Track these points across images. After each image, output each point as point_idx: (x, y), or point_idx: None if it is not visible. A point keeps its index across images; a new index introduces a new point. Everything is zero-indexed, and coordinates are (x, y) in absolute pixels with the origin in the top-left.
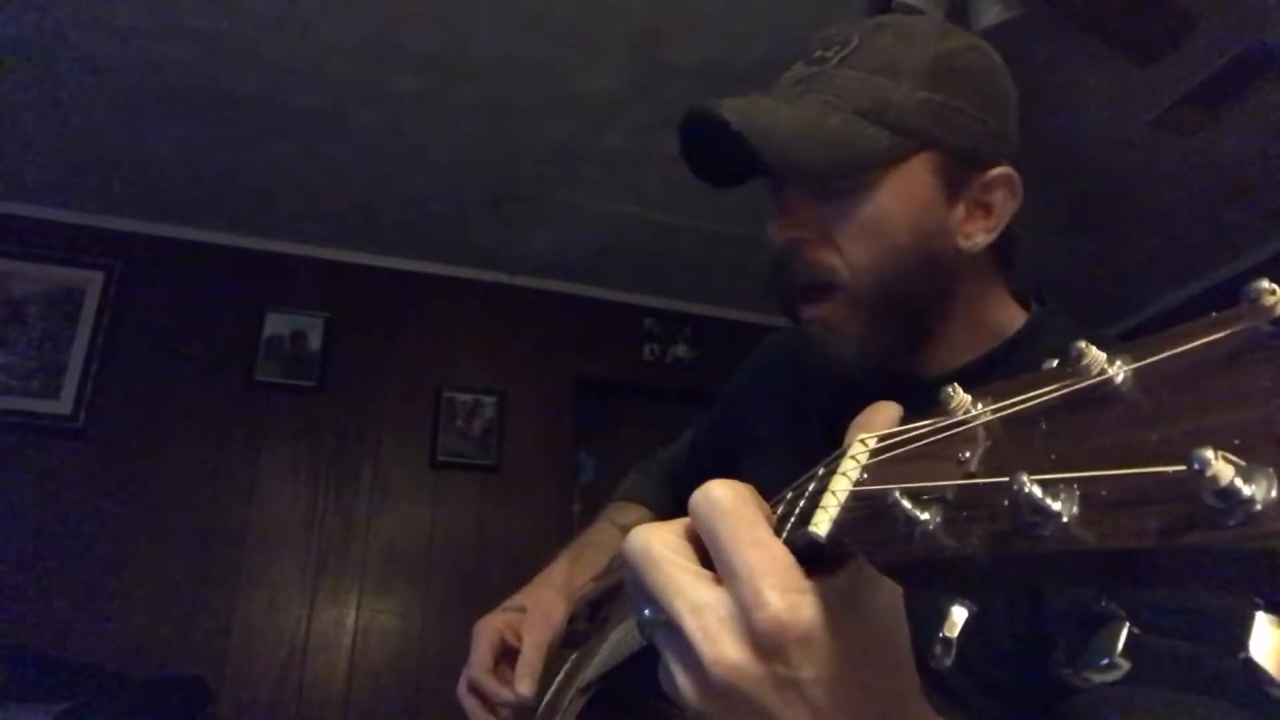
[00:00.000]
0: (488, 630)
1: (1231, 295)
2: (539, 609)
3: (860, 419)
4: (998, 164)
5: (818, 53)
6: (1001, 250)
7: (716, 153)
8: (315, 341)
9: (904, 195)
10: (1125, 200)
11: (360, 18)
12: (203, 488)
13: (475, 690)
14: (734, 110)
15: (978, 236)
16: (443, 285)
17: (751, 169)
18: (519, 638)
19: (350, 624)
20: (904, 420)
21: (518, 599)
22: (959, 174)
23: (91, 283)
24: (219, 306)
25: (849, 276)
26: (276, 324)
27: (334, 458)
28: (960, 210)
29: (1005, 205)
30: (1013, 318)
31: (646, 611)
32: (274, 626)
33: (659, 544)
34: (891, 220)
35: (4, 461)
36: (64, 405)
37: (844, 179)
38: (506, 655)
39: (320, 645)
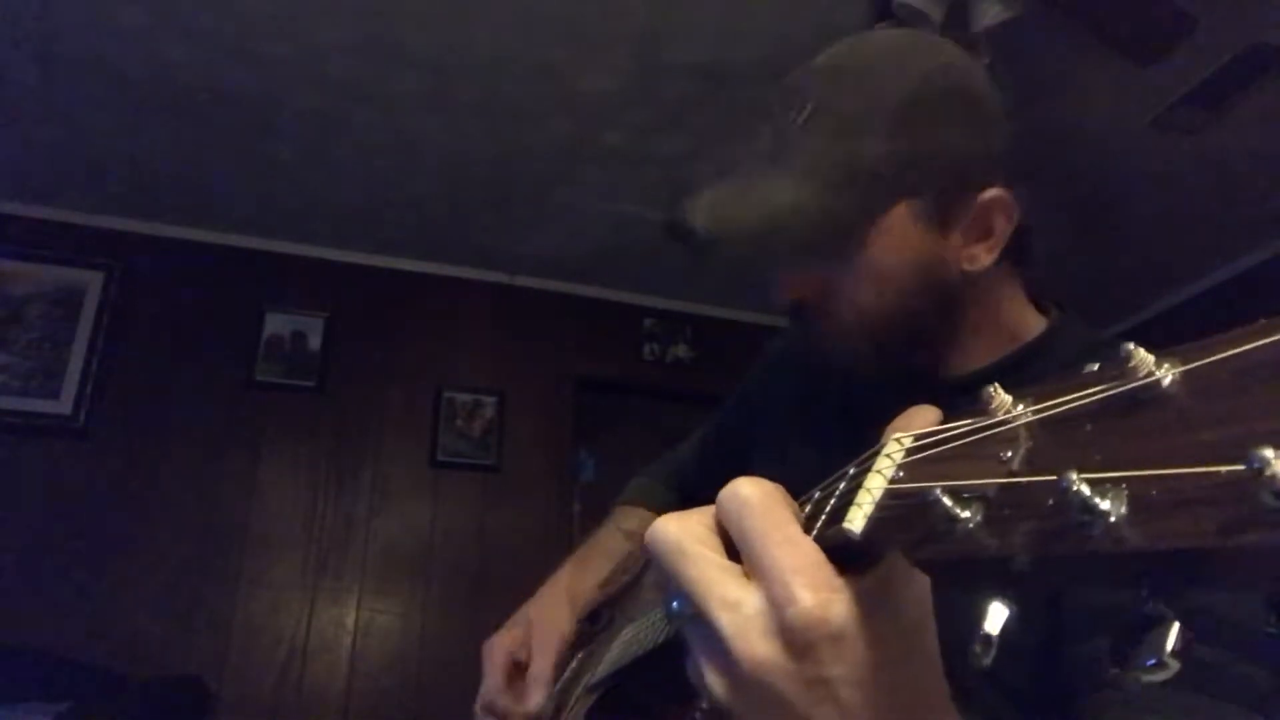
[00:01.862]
0: (498, 651)
1: (1232, 295)
2: (546, 620)
3: (898, 422)
4: (988, 185)
5: (778, 114)
6: (1012, 254)
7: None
8: (315, 341)
9: (893, 246)
10: (1125, 200)
11: (360, 18)
12: (203, 488)
13: (490, 711)
14: (704, 213)
15: (981, 258)
16: (443, 285)
17: None
18: (529, 652)
19: (350, 624)
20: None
21: (523, 612)
22: (946, 209)
23: (91, 283)
24: (219, 306)
25: (851, 315)
26: (276, 324)
27: (334, 458)
28: (957, 237)
29: (1004, 225)
30: (1030, 323)
31: (675, 604)
32: (274, 626)
33: (689, 536)
34: (887, 269)
35: (4, 461)
36: (64, 405)
37: (829, 252)
38: (518, 670)
39: (320, 645)
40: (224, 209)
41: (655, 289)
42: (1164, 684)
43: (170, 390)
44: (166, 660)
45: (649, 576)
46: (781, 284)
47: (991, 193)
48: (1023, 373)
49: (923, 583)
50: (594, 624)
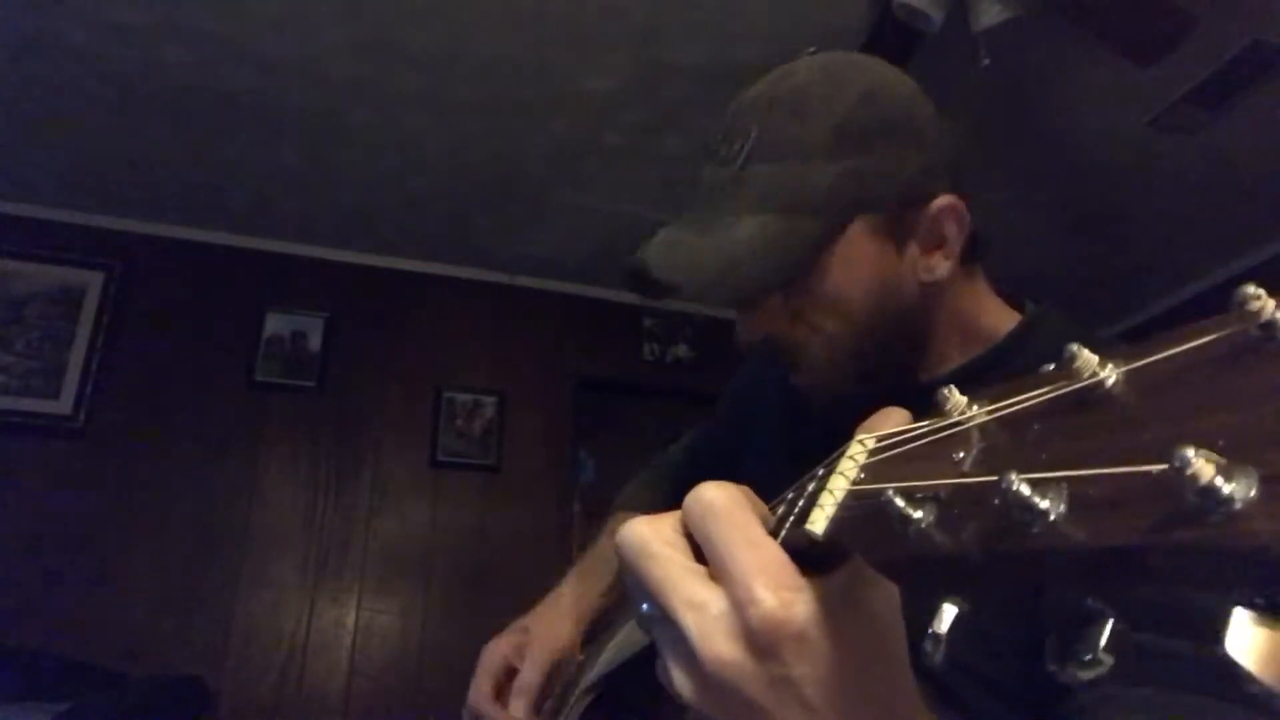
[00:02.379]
0: (492, 655)
1: (1231, 297)
2: (543, 631)
3: (868, 424)
4: (936, 195)
5: (721, 151)
6: (970, 255)
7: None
8: (315, 341)
9: (851, 265)
10: (1125, 200)
11: (360, 18)
12: (203, 488)
13: (475, 715)
14: (661, 259)
15: (938, 269)
16: (443, 285)
17: None
18: (523, 659)
19: (350, 624)
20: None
21: (525, 621)
22: (898, 223)
23: (91, 283)
24: (219, 306)
25: (820, 344)
26: (276, 324)
27: (334, 458)
28: (913, 249)
29: (958, 232)
30: (1003, 321)
31: (645, 606)
32: (274, 626)
33: (656, 539)
34: (848, 291)
35: (4, 461)
36: (64, 405)
37: (790, 283)
38: (511, 677)
39: (320, 645)
40: (224, 209)
41: None
42: (1157, 682)
43: (170, 390)
44: (166, 660)
45: None
46: (746, 325)
47: (941, 201)
48: (996, 371)
49: (890, 584)
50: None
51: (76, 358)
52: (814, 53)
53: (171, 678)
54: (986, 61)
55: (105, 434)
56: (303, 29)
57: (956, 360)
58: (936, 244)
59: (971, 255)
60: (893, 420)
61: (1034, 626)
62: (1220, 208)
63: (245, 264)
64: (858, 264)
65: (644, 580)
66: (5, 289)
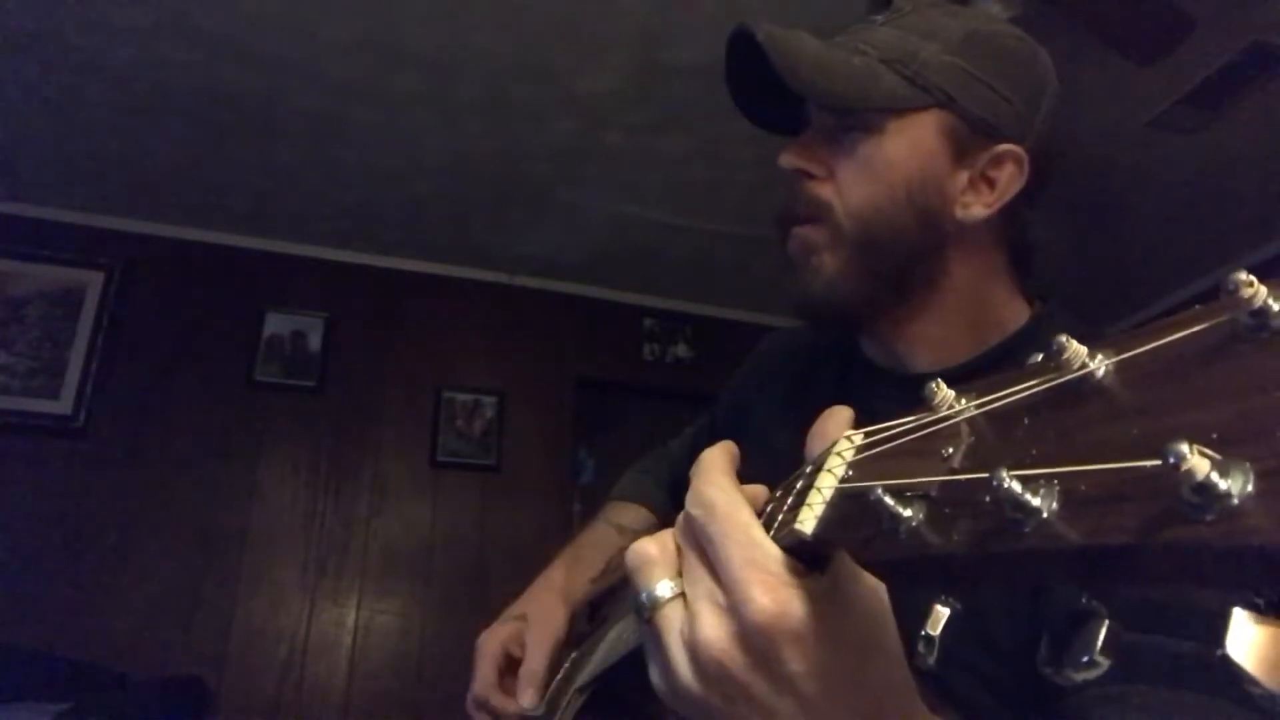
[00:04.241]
0: (491, 644)
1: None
2: (541, 616)
3: (815, 427)
4: (1012, 142)
5: (875, 18)
6: (1011, 246)
7: (756, 84)
8: (315, 341)
9: (908, 146)
10: (1125, 200)
11: (360, 18)
12: (203, 488)
13: (482, 706)
14: (767, 33)
15: (975, 208)
16: (443, 285)
17: (789, 114)
18: (522, 647)
19: (350, 624)
20: (890, 417)
21: (517, 607)
22: (969, 141)
23: (91, 283)
24: (219, 306)
25: (840, 213)
26: (276, 324)
27: (334, 458)
28: (963, 178)
29: (1010, 183)
30: (1017, 314)
31: (659, 587)
32: (274, 626)
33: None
34: (891, 166)
35: (4, 461)
36: (64, 405)
37: (852, 114)
38: (511, 666)
39: (320, 645)
40: (224, 209)
41: (655, 289)
42: (1153, 680)
43: (170, 390)
44: (166, 660)
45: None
46: (793, 147)
47: (1009, 145)
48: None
49: (878, 579)
50: (588, 623)
51: (76, 358)
52: None
53: (171, 678)
54: None
55: (105, 434)
56: (303, 29)
57: (961, 350)
58: (987, 185)
59: (1018, 257)
60: (837, 420)
61: (1030, 625)
62: (1219, 208)
63: (245, 264)
64: (911, 149)
65: (714, 549)
66: (5, 289)
